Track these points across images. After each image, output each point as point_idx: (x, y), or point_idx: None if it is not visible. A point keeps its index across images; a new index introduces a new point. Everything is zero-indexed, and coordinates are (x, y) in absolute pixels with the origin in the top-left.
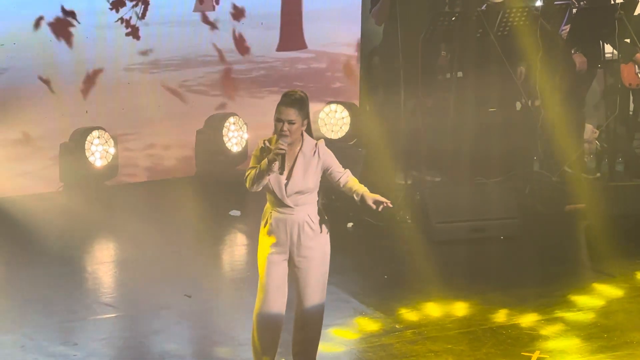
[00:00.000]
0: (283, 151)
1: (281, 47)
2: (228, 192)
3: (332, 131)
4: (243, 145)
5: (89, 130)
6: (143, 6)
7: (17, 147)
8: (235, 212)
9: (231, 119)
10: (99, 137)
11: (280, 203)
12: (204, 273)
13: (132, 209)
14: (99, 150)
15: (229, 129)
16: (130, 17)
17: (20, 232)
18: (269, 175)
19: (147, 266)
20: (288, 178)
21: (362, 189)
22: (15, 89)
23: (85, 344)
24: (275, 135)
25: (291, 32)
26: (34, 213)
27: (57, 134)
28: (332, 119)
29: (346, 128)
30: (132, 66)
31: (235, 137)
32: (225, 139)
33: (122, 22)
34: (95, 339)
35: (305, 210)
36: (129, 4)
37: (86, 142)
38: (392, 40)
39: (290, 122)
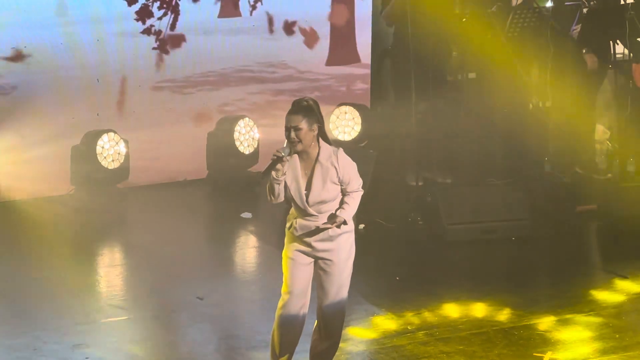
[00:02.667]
0: (274, 157)
1: (331, 61)
2: (239, 194)
3: (344, 133)
4: (254, 147)
5: (100, 132)
6: (172, 15)
7: (28, 150)
8: (247, 214)
9: (241, 122)
10: (110, 140)
11: (304, 211)
12: (216, 275)
13: (143, 212)
14: (110, 153)
15: (240, 132)
16: (159, 30)
17: (32, 235)
18: (277, 184)
19: (159, 269)
20: (308, 189)
21: (344, 206)
22: (28, 93)
23: (97, 347)
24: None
25: (342, 44)
26: (46, 216)
27: (69, 137)
28: (343, 121)
29: (358, 129)
30: (159, 84)
31: (247, 139)
32: (237, 142)
33: (148, 34)
34: (107, 342)
35: (326, 217)
36: (156, 14)
37: (97, 144)
38: (403, 41)
39: (297, 129)
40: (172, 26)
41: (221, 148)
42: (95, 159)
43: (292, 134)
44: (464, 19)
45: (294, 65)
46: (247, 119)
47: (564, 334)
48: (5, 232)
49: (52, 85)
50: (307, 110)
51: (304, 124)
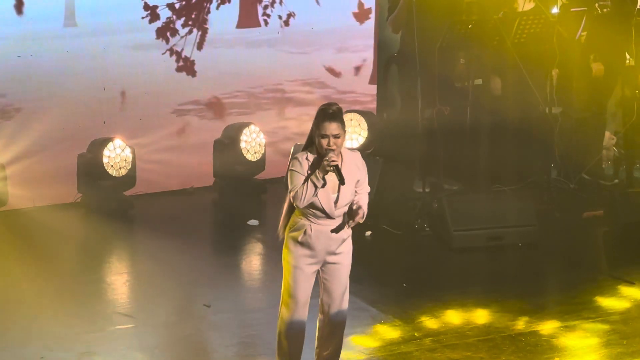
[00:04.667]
0: (336, 162)
1: (376, 79)
2: (246, 201)
3: (350, 140)
4: (261, 155)
5: (107, 140)
6: (200, 33)
7: (35, 157)
8: (254, 222)
9: (247, 130)
10: (116, 148)
11: (322, 216)
12: (223, 282)
13: (150, 219)
14: (117, 161)
15: (246, 139)
16: (182, 49)
17: (39, 243)
18: (322, 188)
19: (166, 276)
20: (336, 193)
21: (359, 202)
22: (33, 100)
23: (105, 355)
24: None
25: None
26: (53, 224)
27: (75, 145)
28: (350, 128)
29: (364, 135)
30: (182, 106)
31: (253, 146)
32: (244, 150)
33: (171, 54)
34: (114, 350)
35: (342, 219)
36: (181, 31)
37: (104, 152)
38: (409, 48)
39: (336, 137)
40: (200, 45)
41: (228, 155)
42: (101, 166)
43: (332, 142)
44: (470, 25)
45: (333, 84)
46: (252, 126)
47: (571, 340)
48: (12, 240)
49: (58, 92)
50: (340, 116)
51: (341, 131)
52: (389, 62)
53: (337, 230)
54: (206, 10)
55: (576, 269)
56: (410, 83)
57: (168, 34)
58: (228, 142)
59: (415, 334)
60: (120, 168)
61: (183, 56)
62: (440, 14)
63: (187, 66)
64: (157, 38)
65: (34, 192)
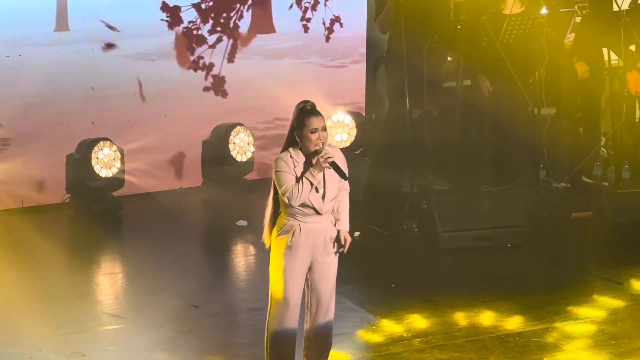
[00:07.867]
0: (332, 159)
1: None
2: (234, 202)
3: (341, 140)
4: (250, 154)
5: (96, 141)
6: (231, 41)
7: (23, 158)
8: (242, 222)
9: (235, 130)
10: (105, 148)
11: (311, 214)
12: (212, 283)
13: (139, 220)
14: (106, 161)
15: (235, 140)
16: (211, 64)
17: (27, 244)
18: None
19: (154, 277)
20: (323, 189)
21: (341, 215)
22: (21, 100)
23: (94, 356)
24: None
25: None
26: (41, 224)
27: (63, 145)
28: (339, 128)
29: (353, 135)
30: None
31: (242, 147)
32: (233, 152)
33: (195, 69)
34: (103, 350)
35: (329, 217)
36: (208, 39)
37: (92, 153)
38: (397, 48)
39: (324, 129)
40: (231, 56)
41: (216, 156)
42: (90, 167)
43: (321, 135)
44: (458, 26)
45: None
46: (240, 126)
47: (560, 341)
48: (0, 241)
49: (46, 93)
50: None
51: (326, 125)
52: (377, 63)
53: (324, 233)
54: (239, 14)
55: (565, 270)
56: (398, 83)
57: (193, 44)
58: (217, 143)
59: (404, 335)
60: (109, 168)
61: (212, 73)
62: (429, 15)
63: (215, 85)
64: (179, 46)
65: (22, 192)
